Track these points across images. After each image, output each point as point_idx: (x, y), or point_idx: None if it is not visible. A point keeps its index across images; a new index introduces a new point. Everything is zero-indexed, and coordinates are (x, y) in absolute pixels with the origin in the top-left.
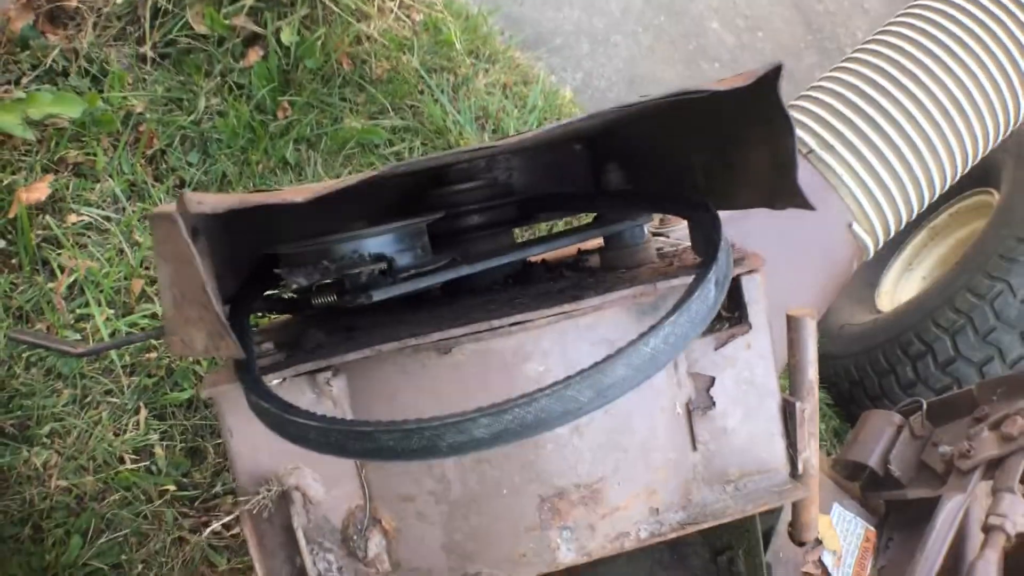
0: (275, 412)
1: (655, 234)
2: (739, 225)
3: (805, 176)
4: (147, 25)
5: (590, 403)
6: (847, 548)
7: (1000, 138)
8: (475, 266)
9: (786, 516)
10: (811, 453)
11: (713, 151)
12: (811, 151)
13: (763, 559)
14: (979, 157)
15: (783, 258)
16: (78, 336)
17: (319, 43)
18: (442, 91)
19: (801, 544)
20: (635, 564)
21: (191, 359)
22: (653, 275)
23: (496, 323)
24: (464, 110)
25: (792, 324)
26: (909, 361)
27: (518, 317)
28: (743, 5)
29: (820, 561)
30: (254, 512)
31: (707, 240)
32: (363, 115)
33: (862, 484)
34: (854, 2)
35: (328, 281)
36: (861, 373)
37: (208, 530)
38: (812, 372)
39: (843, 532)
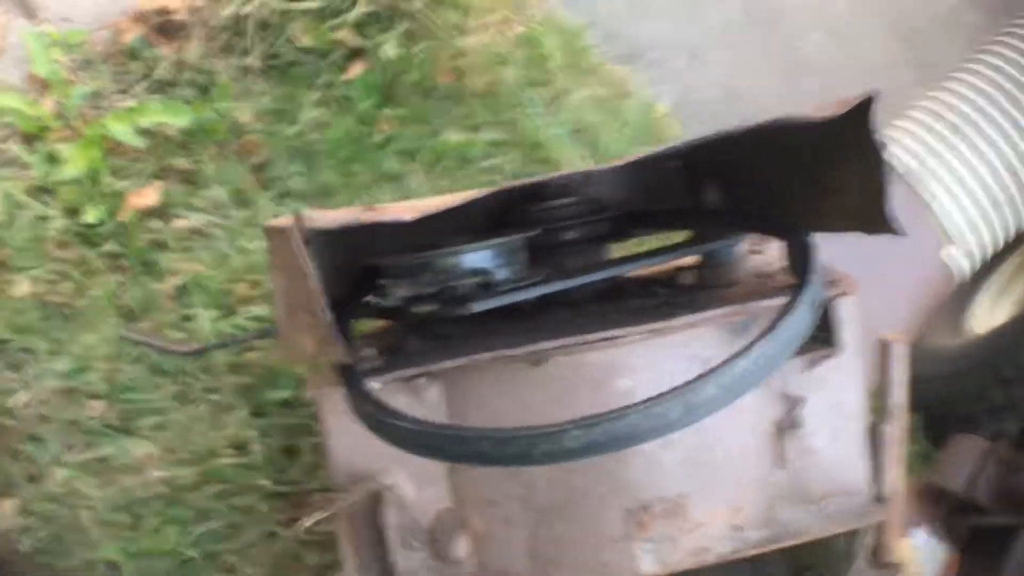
0: (378, 414)
1: (751, 251)
2: (832, 245)
3: (899, 196)
4: (252, 38)
5: (679, 421)
6: (927, 573)
7: None
8: (570, 281)
9: (868, 538)
10: (896, 477)
11: (809, 175)
12: (908, 171)
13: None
14: None
15: (874, 278)
16: (183, 335)
17: (420, 57)
18: (538, 105)
19: (882, 567)
20: None
21: (290, 362)
22: (747, 295)
23: (588, 337)
24: (560, 124)
25: (884, 348)
26: (999, 386)
27: (610, 332)
28: (840, 20)
29: None
30: (347, 510)
31: (802, 263)
32: (461, 128)
33: (947, 509)
34: (950, 18)
35: (429, 292)
36: (951, 397)
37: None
38: (900, 396)
39: (924, 557)
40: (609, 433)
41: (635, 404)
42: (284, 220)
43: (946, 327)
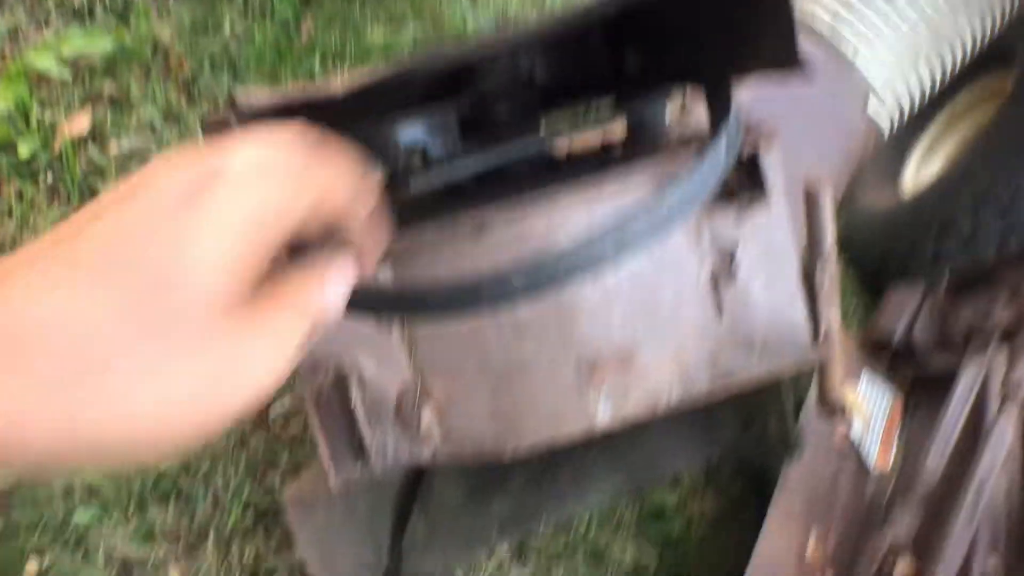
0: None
1: (679, 120)
2: (756, 103)
3: (820, 52)
4: None
5: (614, 254)
6: (875, 418)
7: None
8: (505, 150)
9: (814, 387)
10: (832, 317)
11: (723, 25)
12: (829, 27)
13: (792, 424)
14: (993, 33)
15: (799, 132)
16: None
17: None
18: None
19: (830, 414)
20: (670, 435)
21: None
22: (674, 151)
23: (525, 201)
24: (484, 15)
25: (808, 190)
26: (931, 241)
27: (546, 195)
28: None
29: (849, 431)
30: (315, 395)
31: (719, 105)
32: (384, 26)
33: (888, 359)
34: None
35: None
36: (886, 255)
37: (274, 413)
38: (830, 238)
39: (871, 402)
40: (551, 270)
41: (574, 243)
42: (222, 114)
43: (878, 187)
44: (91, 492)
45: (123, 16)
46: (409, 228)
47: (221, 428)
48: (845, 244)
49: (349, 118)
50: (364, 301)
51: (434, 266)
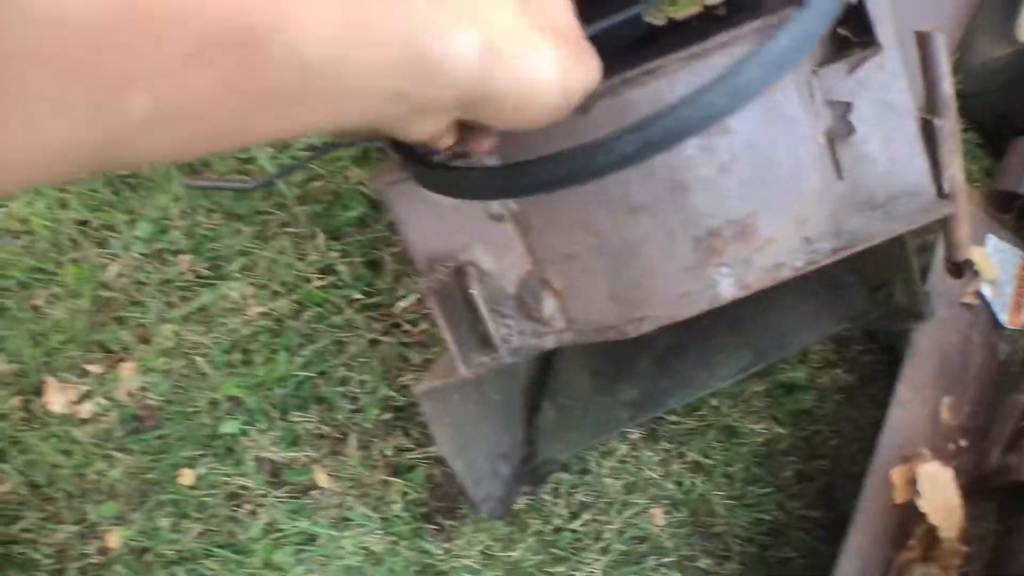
0: (446, 172)
1: None
2: None
3: None
4: None
5: (727, 106)
6: (1004, 277)
7: None
8: (602, 23)
9: (941, 252)
10: (955, 170)
11: None
12: None
13: (920, 287)
14: None
15: None
16: (246, 178)
17: None
18: None
19: (958, 275)
20: (796, 309)
21: (354, 182)
22: (778, 5)
23: (628, 74)
24: None
25: (921, 41)
26: None
27: (649, 65)
28: None
29: (979, 292)
30: (435, 289)
31: None
32: None
33: (1016, 215)
34: None
35: None
36: (1006, 107)
37: (400, 305)
38: (947, 87)
39: (999, 262)
40: (663, 129)
41: (683, 98)
42: None
43: (993, 37)
44: (236, 403)
45: None
46: None
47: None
48: (962, 102)
49: None
50: (475, 184)
51: (539, 145)
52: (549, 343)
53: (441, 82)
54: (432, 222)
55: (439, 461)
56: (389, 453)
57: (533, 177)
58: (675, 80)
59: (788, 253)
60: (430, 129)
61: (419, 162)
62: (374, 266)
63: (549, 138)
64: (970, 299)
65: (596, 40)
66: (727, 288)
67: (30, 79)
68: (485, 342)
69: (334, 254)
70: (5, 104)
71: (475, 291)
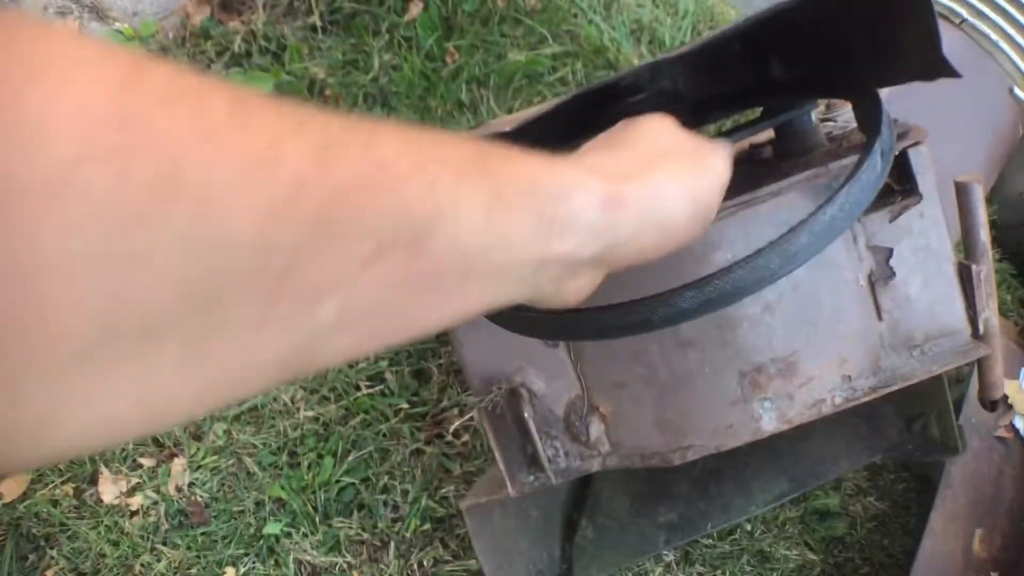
0: (508, 311)
1: (823, 120)
2: (901, 103)
3: (958, 45)
4: None
5: (779, 269)
6: None
7: None
8: None
9: (975, 384)
10: (990, 313)
11: (865, 32)
12: (963, 20)
13: (955, 422)
14: None
15: (946, 130)
16: None
17: None
18: (595, 11)
19: (992, 409)
20: (834, 439)
21: None
22: (825, 157)
23: None
24: (618, 26)
25: (960, 190)
26: None
27: None
28: None
29: (1012, 425)
30: (488, 409)
31: (870, 117)
32: (524, 48)
33: None
34: None
35: None
36: None
37: (452, 427)
38: (984, 234)
39: None
40: (719, 289)
41: (738, 261)
42: None
43: None
44: (281, 505)
45: (278, 56)
46: None
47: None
48: (996, 232)
49: None
50: (537, 326)
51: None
52: (594, 466)
53: (576, 240)
54: (489, 344)
55: (476, 574)
56: (427, 563)
57: (594, 324)
58: (725, 226)
59: (829, 390)
60: (585, 289)
61: None
62: (421, 376)
63: (609, 278)
64: (1004, 432)
65: None
66: (769, 422)
67: (232, 301)
68: (533, 462)
69: (383, 363)
70: (210, 327)
71: (527, 413)
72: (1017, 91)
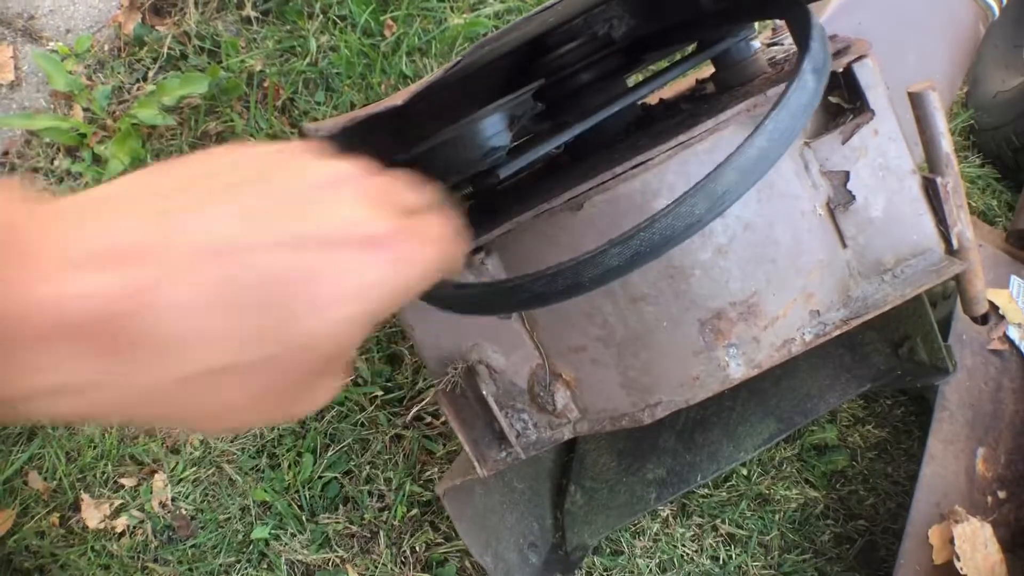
0: (441, 292)
1: (769, 45)
2: (853, 14)
3: None
4: None
5: (708, 213)
6: None
7: None
8: (586, 122)
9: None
10: (963, 226)
11: None
12: None
13: (941, 342)
14: None
15: (905, 37)
16: None
17: None
18: None
19: (982, 323)
20: (818, 373)
21: None
22: (765, 84)
23: (618, 169)
24: None
25: (915, 101)
26: None
27: (639, 159)
28: None
29: (1006, 335)
30: (447, 390)
31: (800, 33)
32: (464, 9)
33: None
34: None
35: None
36: (1022, 139)
37: (419, 422)
38: (946, 144)
39: None
40: (646, 242)
41: (662, 210)
42: (291, 140)
43: (1003, 68)
44: (266, 508)
45: (213, 53)
46: (509, 213)
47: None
48: (978, 137)
49: (424, 123)
50: (471, 301)
51: (537, 247)
52: (565, 434)
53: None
54: (440, 324)
55: (471, 553)
56: (419, 548)
57: (523, 294)
58: (664, 171)
59: (796, 328)
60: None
61: None
62: (393, 360)
63: (538, 239)
64: (998, 345)
65: (596, 128)
66: (737, 369)
67: None
68: (501, 439)
69: (353, 352)
70: None
71: (487, 391)
72: None
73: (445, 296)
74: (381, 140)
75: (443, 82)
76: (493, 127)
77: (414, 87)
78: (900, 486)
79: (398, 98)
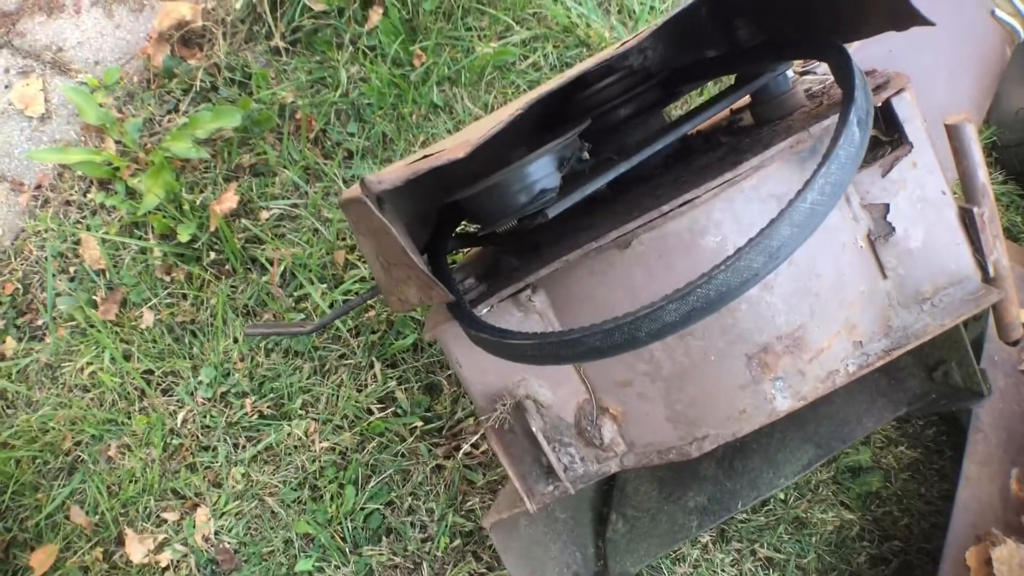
0: (494, 340)
1: (802, 73)
2: (883, 42)
3: None
4: (270, 19)
5: (764, 267)
6: None
7: None
8: (631, 160)
9: (994, 319)
10: (999, 254)
11: None
12: None
13: (976, 366)
14: None
15: (933, 61)
16: (302, 315)
17: None
18: None
19: (1013, 344)
20: (855, 398)
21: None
22: (806, 120)
23: (666, 208)
24: (584, 0)
25: (952, 133)
26: None
27: (685, 196)
28: None
29: None
30: (496, 426)
31: (842, 77)
32: (492, 38)
33: None
34: None
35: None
36: None
37: (460, 452)
38: (982, 175)
39: None
40: (703, 298)
41: (719, 265)
42: (354, 190)
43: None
44: (309, 540)
45: (244, 85)
46: (553, 248)
47: None
48: (1000, 154)
49: (476, 164)
50: (524, 351)
51: (586, 284)
52: (612, 468)
53: None
54: (487, 360)
55: None
56: None
57: (579, 348)
58: (711, 209)
59: (841, 360)
60: None
61: (473, 327)
62: (432, 390)
63: (587, 277)
64: None
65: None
66: (783, 402)
67: None
68: (549, 473)
69: (392, 382)
70: None
71: (535, 426)
72: (999, 13)
73: (500, 345)
74: (424, 181)
75: (496, 134)
76: (542, 170)
77: (472, 137)
78: (933, 506)
79: (459, 151)
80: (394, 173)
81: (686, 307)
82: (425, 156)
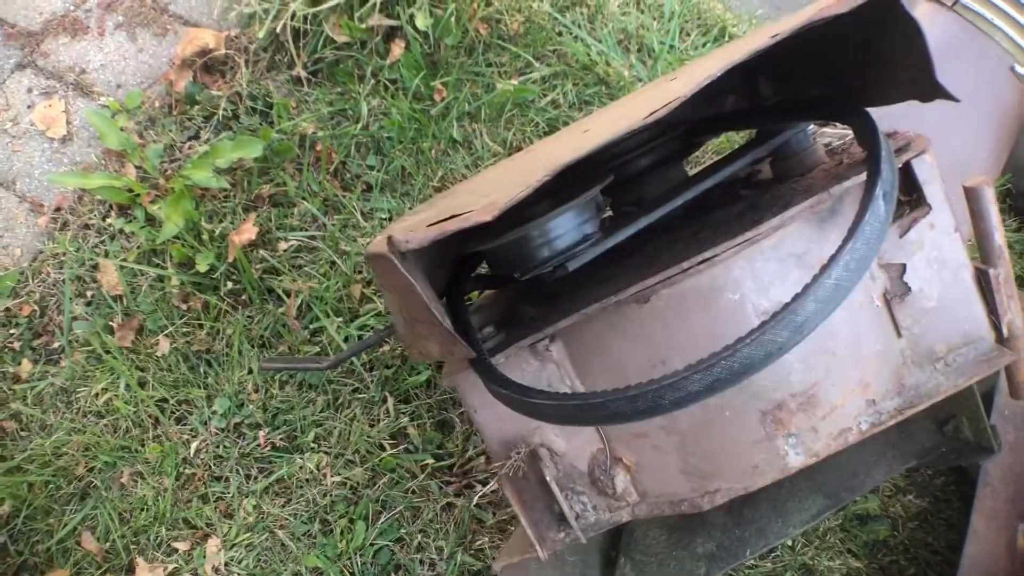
0: (516, 397)
1: (822, 125)
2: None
3: (954, 28)
4: (292, 49)
5: (788, 342)
6: None
7: None
8: (653, 214)
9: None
10: (1014, 315)
11: (857, 53)
12: (956, 2)
13: (987, 422)
14: None
15: (952, 114)
16: (316, 348)
17: (452, 18)
18: (579, 27)
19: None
20: (865, 450)
21: (428, 361)
22: (826, 179)
23: (685, 264)
24: (604, 38)
25: (970, 195)
26: None
27: (705, 254)
28: None
29: None
30: (510, 474)
31: (868, 149)
32: (512, 74)
33: None
34: None
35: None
36: None
37: (476, 497)
38: (999, 237)
39: None
40: (727, 370)
41: (744, 338)
42: (379, 244)
43: None
44: (318, 574)
45: (266, 114)
46: (571, 299)
47: None
48: (1014, 201)
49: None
50: (547, 411)
51: (603, 337)
52: (623, 517)
53: None
54: (504, 409)
55: None
56: None
57: (602, 412)
58: (731, 267)
59: (853, 417)
60: None
61: (494, 382)
62: (443, 427)
63: (612, 329)
64: None
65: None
66: (796, 458)
67: None
68: (560, 520)
69: (404, 418)
70: None
71: (548, 474)
72: (1018, 68)
73: (521, 403)
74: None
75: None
76: (564, 225)
77: (500, 200)
78: (940, 556)
79: (486, 213)
80: (421, 233)
81: (710, 378)
82: (452, 216)
